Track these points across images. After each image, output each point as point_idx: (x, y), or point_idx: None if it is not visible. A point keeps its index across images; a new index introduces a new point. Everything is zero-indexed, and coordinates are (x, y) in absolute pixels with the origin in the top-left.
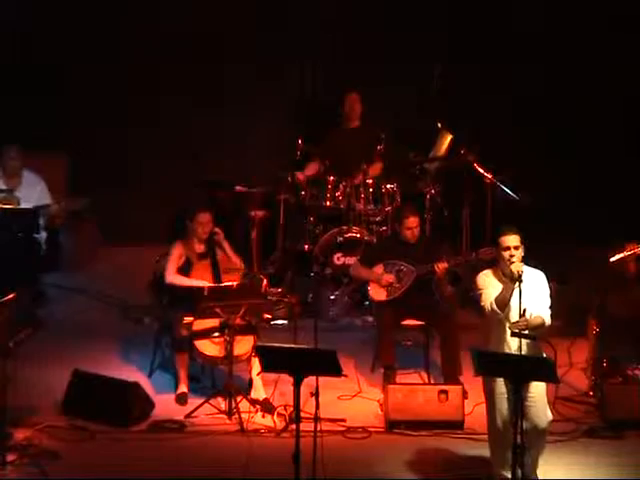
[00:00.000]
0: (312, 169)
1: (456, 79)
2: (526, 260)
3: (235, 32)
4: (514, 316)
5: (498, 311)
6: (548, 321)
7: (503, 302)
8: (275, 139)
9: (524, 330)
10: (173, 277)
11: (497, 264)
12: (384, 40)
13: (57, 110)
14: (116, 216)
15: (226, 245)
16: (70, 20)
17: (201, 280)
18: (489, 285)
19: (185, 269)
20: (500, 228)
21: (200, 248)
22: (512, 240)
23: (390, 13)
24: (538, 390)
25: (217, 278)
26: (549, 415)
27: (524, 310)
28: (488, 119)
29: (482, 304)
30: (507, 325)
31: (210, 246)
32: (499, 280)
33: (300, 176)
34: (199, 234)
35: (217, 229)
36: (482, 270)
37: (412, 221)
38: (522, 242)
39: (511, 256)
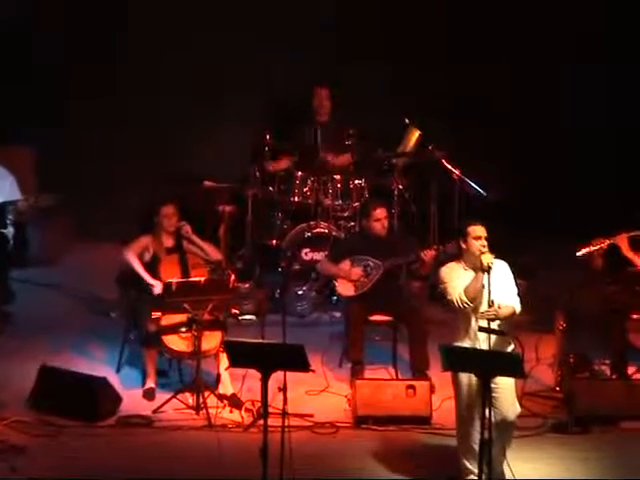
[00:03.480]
0: (283, 164)
1: (425, 77)
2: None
3: (204, 30)
4: (483, 308)
5: (468, 303)
6: (518, 308)
7: (474, 293)
8: (244, 134)
9: (494, 320)
10: (131, 256)
11: (462, 256)
12: (355, 37)
13: (26, 105)
14: (85, 212)
15: (196, 239)
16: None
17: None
18: (455, 277)
19: (153, 264)
20: (466, 219)
21: (168, 242)
22: (481, 230)
23: (360, 11)
24: (506, 382)
25: (185, 273)
26: (517, 407)
27: (492, 301)
28: (455, 116)
29: (449, 297)
30: (476, 316)
31: (178, 241)
32: (464, 272)
33: (270, 167)
34: (166, 227)
35: (183, 222)
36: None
37: (380, 212)
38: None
39: (483, 246)
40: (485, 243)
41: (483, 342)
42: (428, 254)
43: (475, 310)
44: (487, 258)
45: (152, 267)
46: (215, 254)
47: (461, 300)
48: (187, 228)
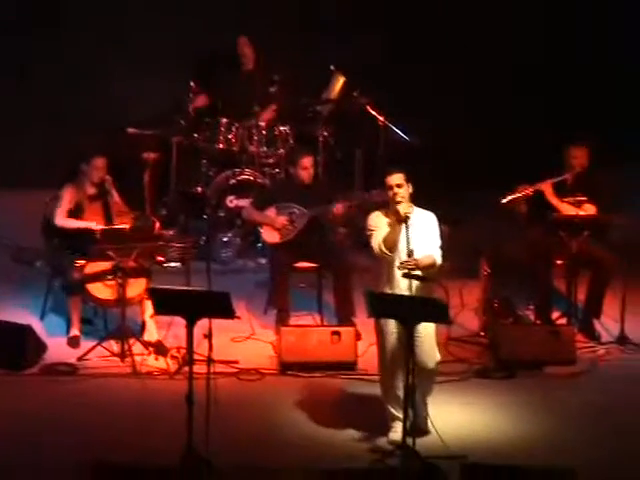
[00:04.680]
0: (201, 100)
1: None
2: (416, 201)
3: None
4: (402, 257)
5: (387, 252)
6: (439, 261)
7: (391, 243)
8: (168, 82)
9: (413, 270)
10: (63, 220)
11: (389, 205)
12: None
13: None
14: (5, 159)
15: (114, 193)
16: None
17: (92, 221)
18: (381, 226)
19: (77, 212)
20: (386, 169)
21: (91, 191)
22: (395, 179)
23: None
24: (426, 331)
25: (109, 220)
26: (437, 356)
27: (411, 251)
28: (377, 60)
29: (372, 245)
30: (396, 266)
31: (101, 189)
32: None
33: (190, 109)
34: (92, 178)
35: (107, 176)
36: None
37: (306, 161)
38: (407, 181)
39: (394, 194)
40: (397, 191)
41: (405, 290)
42: (338, 208)
43: (396, 258)
44: (403, 208)
45: (76, 215)
46: (118, 213)
47: (380, 249)
48: (109, 182)
